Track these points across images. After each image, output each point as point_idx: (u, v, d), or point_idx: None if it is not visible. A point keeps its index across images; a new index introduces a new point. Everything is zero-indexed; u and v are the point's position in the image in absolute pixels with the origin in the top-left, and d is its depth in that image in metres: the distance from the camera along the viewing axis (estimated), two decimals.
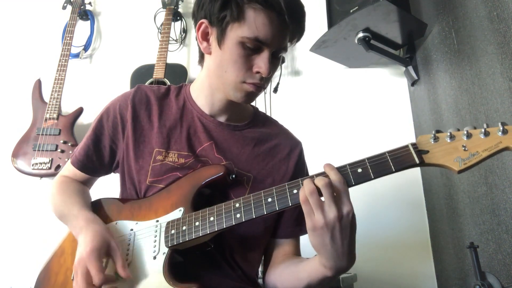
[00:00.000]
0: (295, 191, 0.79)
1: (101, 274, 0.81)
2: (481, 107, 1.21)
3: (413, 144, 0.75)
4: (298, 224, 1.05)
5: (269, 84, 2.13)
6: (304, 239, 1.06)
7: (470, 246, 0.89)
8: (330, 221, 0.72)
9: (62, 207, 1.02)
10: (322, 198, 0.75)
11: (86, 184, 1.12)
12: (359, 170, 0.76)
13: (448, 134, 0.73)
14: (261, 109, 2.07)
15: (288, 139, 1.12)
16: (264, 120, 1.15)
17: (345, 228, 0.74)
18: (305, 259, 0.93)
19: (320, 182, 0.74)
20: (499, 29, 1.06)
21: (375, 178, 0.75)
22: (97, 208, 1.02)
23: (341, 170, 0.77)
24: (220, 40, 0.91)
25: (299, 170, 1.08)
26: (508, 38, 1.02)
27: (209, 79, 1.02)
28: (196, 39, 0.99)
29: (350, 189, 0.77)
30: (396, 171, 0.75)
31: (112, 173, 1.13)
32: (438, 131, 0.75)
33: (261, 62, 0.91)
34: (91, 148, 1.06)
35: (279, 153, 1.07)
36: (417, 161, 0.73)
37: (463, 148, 0.71)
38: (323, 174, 0.78)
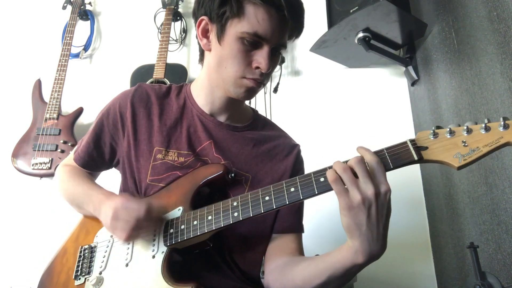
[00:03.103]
0: (292, 189, 0.79)
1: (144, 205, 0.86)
2: (481, 107, 1.21)
3: (412, 140, 0.74)
4: (297, 219, 1.04)
5: (269, 84, 2.15)
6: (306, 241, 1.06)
7: (470, 246, 0.89)
8: (367, 198, 0.69)
9: (76, 189, 1.04)
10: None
11: None
12: None
13: (448, 129, 0.72)
14: (261, 109, 2.09)
15: (286, 142, 1.12)
16: (263, 123, 1.15)
17: (381, 208, 0.71)
18: (325, 253, 0.86)
19: (352, 160, 0.72)
20: (499, 29, 1.06)
21: None
22: None
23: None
24: (220, 36, 0.92)
25: (297, 170, 1.08)
26: (508, 38, 1.02)
27: (209, 76, 1.02)
28: (196, 37, 1.00)
29: None
30: (394, 168, 0.74)
31: (114, 169, 1.14)
32: (438, 127, 0.73)
33: (260, 57, 0.91)
34: (92, 146, 1.07)
35: (277, 154, 1.08)
36: (416, 157, 0.72)
37: (463, 144, 0.70)
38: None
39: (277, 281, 0.95)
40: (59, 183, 1.10)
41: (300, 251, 1.03)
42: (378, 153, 0.75)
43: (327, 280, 0.82)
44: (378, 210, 0.71)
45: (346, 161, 0.75)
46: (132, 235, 0.87)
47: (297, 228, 1.04)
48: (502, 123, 0.68)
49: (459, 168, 0.69)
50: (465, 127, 0.70)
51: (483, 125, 0.69)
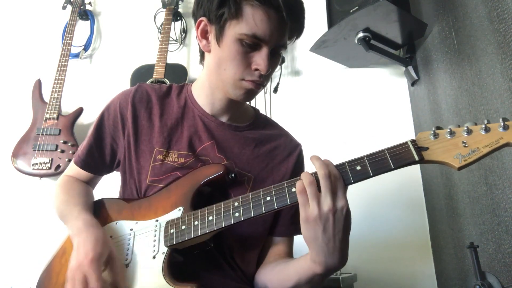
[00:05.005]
0: (293, 189, 0.79)
1: (100, 283, 0.80)
2: (481, 107, 1.21)
3: (413, 141, 0.75)
4: (293, 222, 1.04)
5: (269, 84, 2.15)
6: (299, 241, 1.06)
7: (470, 246, 0.89)
8: (324, 213, 0.72)
9: (63, 206, 1.02)
10: None
11: (90, 183, 1.12)
12: (358, 167, 0.76)
13: (448, 130, 0.72)
14: (261, 109, 2.08)
15: (288, 141, 1.12)
16: (265, 122, 1.15)
17: (338, 222, 0.73)
18: (296, 258, 0.91)
19: (320, 171, 0.74)
20: (499, 29, 1.06)
21: (374, 175, 0.75)
22: (99, 207, 1.03)
23: (340, 167, 0.77)
24: (219, 37, 0.92)
25: (297, 171, 1.07)
26: (508, 38, 1.02)
27: (209, 77, 1.02)
28: (196, 38, 0.99)
29: (351, 188, 0.76)
30: (395, 168, 0.74)
31: (114, 171, 1.13)
32: (438, 128, 0.74)
33: (259, 59, 0.91)
34: (93, 146, 1.07)
35: (279, 154, 1.07)
36: (417, 158, 0.73)
37: (463, 145, 0.70)
38: None
39: (260, 283, 0.99)
40: (54, 196, 1.07)
41: (289, 253, 1.05)
42: (379, 153, 0.76)
43: (295, 285, 0.86)
44: (335, 225, 0.73)
45: (314, 173, 0.76)
46: None
47: (292, 232, 1.05)
48: (502, 124, 0.69)
49: (460, 168, 0.70)
50: (465, 128, 0.71)
51: (483, 126, 0.70)
